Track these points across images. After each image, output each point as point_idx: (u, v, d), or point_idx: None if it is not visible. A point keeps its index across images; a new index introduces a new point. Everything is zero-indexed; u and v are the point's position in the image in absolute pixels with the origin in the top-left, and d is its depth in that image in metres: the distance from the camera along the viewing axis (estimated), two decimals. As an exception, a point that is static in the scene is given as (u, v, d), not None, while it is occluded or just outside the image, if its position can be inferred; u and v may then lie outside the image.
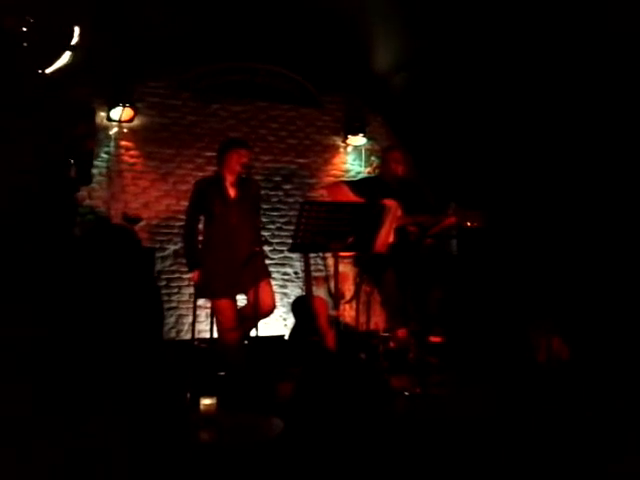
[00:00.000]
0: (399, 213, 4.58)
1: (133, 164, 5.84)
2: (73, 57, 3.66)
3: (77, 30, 3.77)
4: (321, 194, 6.28)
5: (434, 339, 4.93)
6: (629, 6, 4.18)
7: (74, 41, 3.68)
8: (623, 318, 4.49)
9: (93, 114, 5.15)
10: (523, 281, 5.22)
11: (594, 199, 4.93)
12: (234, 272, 4.14)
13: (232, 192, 4.34)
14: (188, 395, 2.98)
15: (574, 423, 3.25)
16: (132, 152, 5.85)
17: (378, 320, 4.72)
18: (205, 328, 5.21)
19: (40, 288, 2.88)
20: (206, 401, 2.80)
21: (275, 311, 4.46)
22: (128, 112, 5.65)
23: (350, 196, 4.58)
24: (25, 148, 3.14)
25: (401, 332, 4.61)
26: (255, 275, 4.18)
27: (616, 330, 4.46)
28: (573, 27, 4.51)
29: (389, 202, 4.44)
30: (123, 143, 5.79)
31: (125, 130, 5.77)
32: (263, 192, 5.47)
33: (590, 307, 4.71)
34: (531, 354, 4.75)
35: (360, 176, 6.54)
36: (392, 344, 4.62)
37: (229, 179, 4.35)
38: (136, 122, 5.79)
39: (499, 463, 2.73)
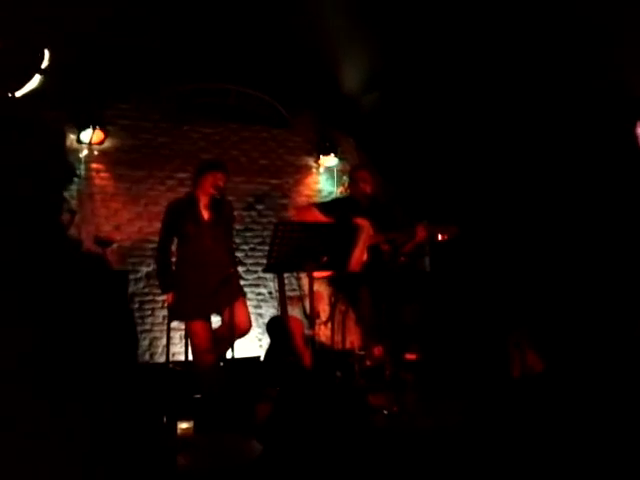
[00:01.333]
0: (371, 232, 4.61)
1: (104, 186, 5.79)
2: (43, 80, 3.64)
3: (47, 53, 3.76)
4: (292, 216, 6.30)
5: (410, 356, 4.94)
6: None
7: (44, 64, 3.66)
8: (595, 330, 4.56)
9: (63, 137, 5.10)
10: (496, 296, 5.28)
11: (564, 213, 5.03)
12: (208, 294, 4.11)
13: (206, 214, 4.32)
14: (164, 419, 2.95)
15: (545, 434, 3.28)
16: (103, 174, 5.80)
17: (353, 339, 4.72)
18: (179, 350, 5.15)
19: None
20: (183, 425, 2.77)
21: (251, 332, 4.44)
22: (98, 134, 5.62)
23: (320, 218, 4.60)
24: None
25: (377, 350, 4.61)
26: (230, 295, 4.16)
27: (589, 342, 4.53)
28: (539, 46, 4.63)
29: (361, 221, 4.47)
30: (94, 165, 5.74)
31: (96, 152, 5.73)
32: (236, 213, 5.45)
33: (563, 320, 4.78)
34: (505, 368, 4.79)
35: (333, 196, 6.59)
36: (368, 362, 4.62)
37: (203, 201, 4.33)
38: (107, 144, 5.76)
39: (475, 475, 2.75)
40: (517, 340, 4.78)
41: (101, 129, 5.62)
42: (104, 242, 5.20)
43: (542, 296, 5.00)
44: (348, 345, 4.63)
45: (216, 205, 4.35)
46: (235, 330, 4.07)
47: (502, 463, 2.91)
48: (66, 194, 5.27)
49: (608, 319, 4.57)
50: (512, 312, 5.08)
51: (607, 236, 4.78)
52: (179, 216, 4.27)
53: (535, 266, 5.16)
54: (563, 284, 4.93)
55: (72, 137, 5.57)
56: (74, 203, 5.56)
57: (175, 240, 4.37)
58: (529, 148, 5.24)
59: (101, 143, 5.69)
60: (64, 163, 5.15)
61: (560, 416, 3.57)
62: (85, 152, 5.67)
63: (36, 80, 3.67)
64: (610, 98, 4.70)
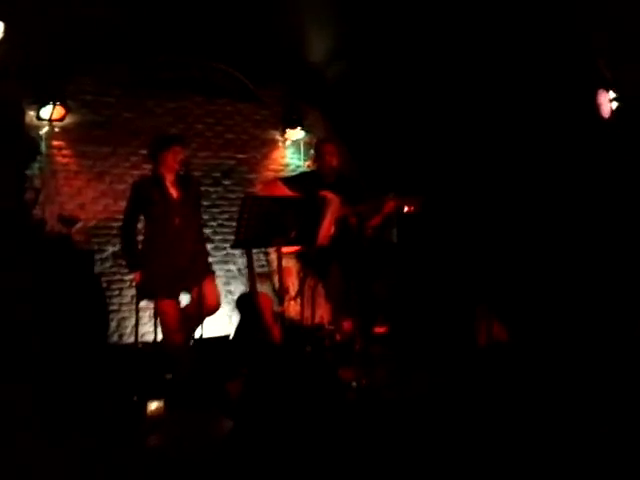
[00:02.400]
0: (339, 205, 4.61)
1: (66, 164, 5.67)
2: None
3: (2, 26, 3.63)
4: (259, 190, 6.25)
5: (379, 329, 4.99)
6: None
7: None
8: (559, 301, 4.66)
9: (22, 112, 4.97)
10: (463, 267, 5.35)
11: (528, 181, 5.09)
12: (178, 272, 4.09)
13: (174, 192, 4.26)
14: (135, 399, 2.94)
15: (510, 402, 3.36)
16: (65, 152, 5.67)
17: (323, 313, 4.75)
18: (148, 330, 5.12)
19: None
20: (153, 404, 2.77)
21: (220, 309, 4.43)
22: (59, 110, 5.48)
23: (286, 192, 4.58)
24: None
25: (346, 324, 4.65)
26: (198, 273, 4.14)
27: (552, 312, 4.63)
28: (503, 19, 4.63)
29: (328, 194, 4.46)
30: (55, 143, 5.61)
31: (57, 129, 5.58)
32: (203, 189, 5.40)
33: (527, 290, 4.88)
34: (472, 338, 4.88)
35: (300, 170, 6.55)
36: (338, 337, 4.65)
37: (169, 178, 4.26)
38: (68, 120, 5.62)
39: (443, 446, 2.81)
40: (484, 310, 4.86)
41: (62, 105, 5.47)
42: (69, 221, 5.12)
43: (508, 267, 5.08)
44: (318, 320, 4.65)
45: (183, 182, 4.29)
46: (204, 308, 4.06)
47: (469, 433, 2.98)
48: (29, 171, 5.18)
49: (570, 290, 4.67)
50: (479, 283, 5.16)
51: (568, 204, 4.86)
52: (146, 194, 4.20)
53: (501, 237, 5.23)
54: (528, 255, 5.01)
55: (31, 114, 5.41)
56: (37, 182, 5.44)
57: (141, 218, 4.31)
58: (493, 119, 5.27)
59: (62, 119, 5.54)
60: (25, 138, 5.04)
61: (523, 382, 3.66)
62: (46, 129, 5.52)
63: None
64: (572, 67, 4.74)
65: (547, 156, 4.98)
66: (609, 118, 4.65)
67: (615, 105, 4.61)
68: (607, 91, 4.63)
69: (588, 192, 4.75)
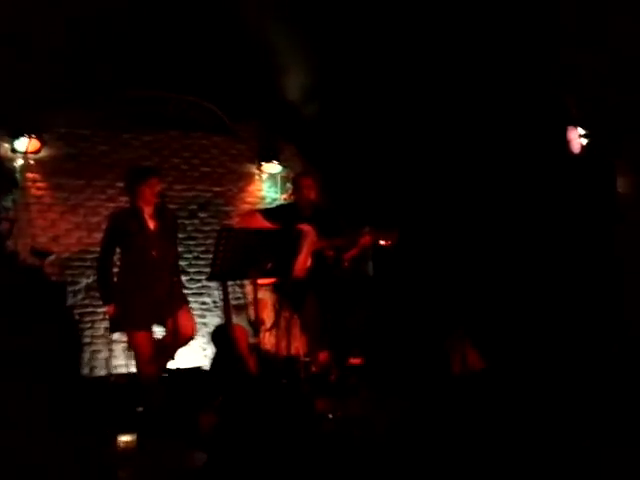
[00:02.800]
0: (315, 237, 4.63)
1: (40, 196, 5.64)
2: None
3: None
4: (236, 222, 6.26)
5: (354, 361, 4.98)
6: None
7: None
8: (534, 329, 4.71)
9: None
10: (438, 298, 5.38)
11: (501, 217, 5.17)
12: (154, 304, 4.05)
13: (152, 224, 4.24)
14: (106, 433, 2.88)
15: (483, 429, 3.37)
16: (39, 184, 5.65)
17: (298, 345, 4.72)
18: (121, 363, 5.05)
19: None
20: (125, 438, 2.71)
21: (194, 341, 4.39)
22: (34, 143, 5.48)
23: (264, 224, 4.60)
24: None
25: (322, 356, 4.63)
26: (173, 304, 4.10)
27: (527, 340, 4.67)
28: (475, 55, 4.76)
29: (305, 227, 4.48)
30: (30, 175, 5.59)
31: (31, 161, 5.57)
32: (179, 221, 5.38)
33: (502, 319, 4.92)
34: (447, 367, 4.89)
35: (276, 203, 6.58)
36: (314, 368, 4.63)
37: (147, 210, 4.25)
38: (43, 153, 5.61)
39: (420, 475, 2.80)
40: (458, 340, 4.88)
41: (37, 137, 5.47)
42: (41, 254, 5.07)
43: (481, 297, 5.13)
44: (293, 351, 4.62)
45: (160, 214, 4.28)
46: (180, 337, 4.01)
47: (444, 461, 2.97)
48: (5, 203, 5.13)
49: (544, 319, 4.72)
50: (453, 313, 5.19)
51: (541, 238, 4.94)
52: (124, 226, 4.17)
53: (475, 268, 5.28)
54: (501, 286, 5.07)
55: (6, 146, 5.40)
56: (12, 213, 5.39)
57: (117, 250, 4.28)
58: (466, 154, 5.37)
59: (37, 152, 5.54)
60: (1, 170, 5.00)
61: (496, 410, 3.67)
62: (20, 161, 5.50)
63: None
64: (543, 105, 4.87)
65: (519, 189, 5.07)
66: (579, 154, 4.77)
67: (585, 141, 4.73)
68: (576, 127, 4.75)
69: (559, 224, 4.84)
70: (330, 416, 3.67)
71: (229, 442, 2.88)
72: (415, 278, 5.71)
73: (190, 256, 6.24)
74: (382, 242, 4.58)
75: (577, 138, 4.79)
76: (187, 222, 6.26)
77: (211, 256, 3.75)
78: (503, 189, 5.15)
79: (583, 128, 4.75)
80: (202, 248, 6.31)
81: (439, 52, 4.92)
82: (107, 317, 4.40)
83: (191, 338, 4.25)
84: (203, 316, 6.15)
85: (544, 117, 4.91)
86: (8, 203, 5.26)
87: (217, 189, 6.56)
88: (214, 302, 6.26)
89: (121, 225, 4.20)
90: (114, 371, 4.93)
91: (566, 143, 4.83)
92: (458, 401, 4.01)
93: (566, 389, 3.87)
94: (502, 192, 5.16)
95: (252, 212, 5.30)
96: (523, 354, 4.59)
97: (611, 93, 4.48)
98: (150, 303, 4.07)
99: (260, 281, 4.07)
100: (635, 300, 4.37)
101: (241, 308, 5.42)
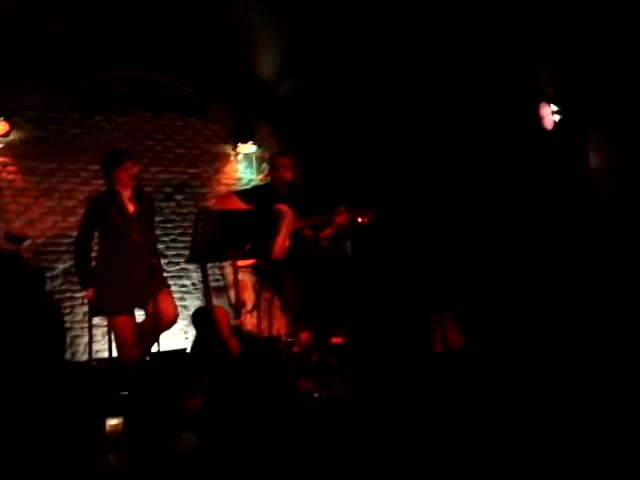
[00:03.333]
0: (293, 218, 4.64)
1: (12, 181, 5.54)
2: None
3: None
4: (213, 204, 6.23)
5: (336, 340, 5.03)
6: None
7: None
8: (515, 306, 4.79)
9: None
10: (418, 276, 5.44)
11: (476, 191, 5.23)
12: (134, 287, 4.03)
13: (130, 207, 4.22)
14: (94, 417, 2.89)
15: (466, 408, 3.44)
16: (10, 168, 5.55)
17: (280, 326, 4.75)
18: (102, 348, 5.02)
19: None
20: (112, 422, 2.72)
21: (176, 324, 4.39)
22: (3, 126, 5.37)
23: (240, 205, 4.59)
24: None
25: (304, 336, 4.66)
26: (153, 287, 4.09)
27: (508, 318, 4.76)
28: (449, 31, 4.77)
29: (283, 207, 4.49)
30: (0, 159, 5.48)
31: (1, 145, 5.46)
32: (155, 204, 5.36)
33: (484, 296, 5.00)
34: (428, 346, 4.96)
35: (252, 184, 6.56)
36: (296, 348, 4.66)
37: (125, 194, 4.23)
38: (13, 136, 5.51)
39: (404, 455, 2.85)
40: (439, 318, 4.96)
41: (6, 120, 5.36)
42: (16, 238, 5.00)
43: (462, 274, 5.20)
44: (275, 332, 4.65)
45: (138, 197, 4.26)
46: (161, 321, 4.00)
47: (427, 440, 3.03)
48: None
49: (524, 295, 4.81)
50: (433, 291, 5.25)
51: (518, 214, 5.02)
52: (103, 209, 4.14)
53: (453, 245, 5.35)
54: (481, 262, 5.14)
55: (-26, 130, 5.29)
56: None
57: (95, 234, 4.24)
58: (441, 131, 5.40)
59: (6, 135, 5.43)
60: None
61: (478, 388, 3.75)
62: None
63: None
64: (515, 81, 4.91)
65: (492, 166, 5.13)
66: (551, 130, 4.83)
67: (557, 117, 4.79)
68: (549, 104, 4.81)
69: (534, 199, 4.91)
70: (316, 395, 3.72)
71: (216, 424, 2.91)
72: (394, 256, 5.76)
73: (167, 239, 6.20)
74: (359, 220, 4.61)
75: (550, 114, 4.84)
76: (164, 205, 6.21)
77: (189, 238, 3.75)
78: (478, 165, 5.20)
79: (555, 104, 4.80)
80: (179, 230, 6.28)
81: (416, 29, 4.92)
82: (86, 302, 4.37)
83: (173, 322, 4.25)
84: (183, 299, 6.13)
85: (517, 93, 4.95)
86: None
87: (192, 171, 6.51)
88: (193, 284, 6.24)
89: (100, 209, 4.17)
90: (95, 356, 4.91)
91: (538, 119, 4.88)
92: (439, 379, 4.09)
93: (549, 369, 3.96)
94: (478, 168, 5.21)
95: (228, 194, 5.28)
96: (505, 331, 4.68)
97: (584, 68, 4.53)
98: (130, 286, 4.05)
99: (239, 263, 4.08)
100: (613, 274, 4.48)
101: (221, 290, 5.43)
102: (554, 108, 4.80)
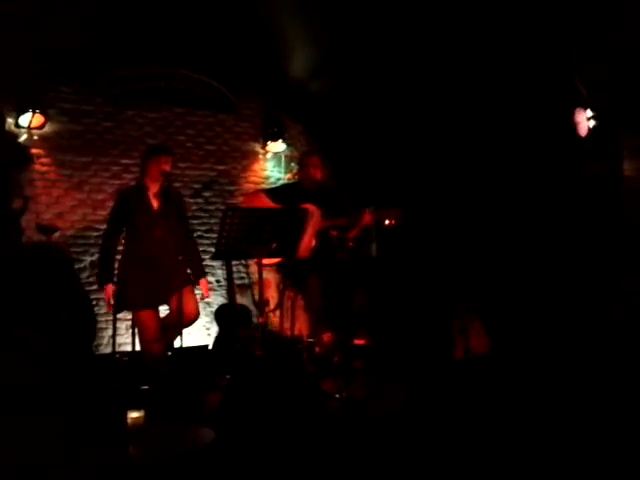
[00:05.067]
0: (320, 217, 4.63)
1: (45, 172, 5.61)
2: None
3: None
4: (241, 202, 6.24)
5: (358, 342, 5.00)
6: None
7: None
8: (542, 312, 4.71)
9: (3, 119, 4.92)
10: (443, 280, 5.38)
11: (506, 196, 5.16)
12: (158, 283, 4.06)
13: (155, 203, 4.25)
14: (115, 409, 2.91)
15: (487, 414, 3.39)
16: (43, 160, 5.62)
17: (302, 326, 4.75)
18: (125, 341, 5.07)
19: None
20: (133, 414, 2.74)
21: (198, 320, 4.40)
22: (38, 118, 5.42)
23: (268, 204, 4.60)
24: None
25: (326, 336, 4.65)
26: (178, 283, 4.11)
27: (534, 324, 4.68)
28: (485, 34, 4.71)
29: (310, 206, 4.48)
30: (34, 151, 5.53)
31: (35, 137, 5.53)
32: (184, 201, 5.38)
33: (511, 302, 4.92)
34: (449, 351, 4.91)
35: (280, 182, 6.57)
36: (317, 349, 4.65)
37: (152, 189, 4.26)
38: (47, 129, 5.56)
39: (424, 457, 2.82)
40: (462, 323, 4.90)
41: (41, 113, 5.42)
42: (47, 229, 5.05)
43: (489, 279, 5.13)
44: (297, 332, 4.65)
45: (165, 194, 4.28)
46: (183, 318, 4.02)
47: (448, 444, 3.00)
48: (18, 179, 5.09)
49: (552, 302, 4.73)
50: (458, 295, 5.20)
51: (548, 218, 4.94)
52: (129, 205, 4.18)
53: (479, 250, 5.28)
54: (509, 268, 5.07)
55: (10, 121, 5.35)
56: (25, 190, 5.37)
57: (123, 229, 4.28)
58: (472, 132, 5.34)
59: (41, 127, 5.49)
60: (10, 144, 4.97)
61: (500, 395, 3.70)
62: (24, 137, 5.46)
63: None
64: (550, 87, 4.83)
65: (524, 171, 5.05)
66: (586, 136, 4.74)
67: (592, 124, 4.70)
68: (584, 110, 4.72)
69: (565, 207, 4.83)
70: (337, 396, 3.70)
71: (236, 420, 2.91)
72: (419, 259, 5.71)
73: (194, 235, 6.22)
74: (386, 222, 4.58)
75: (585, 120, 4.76)
76: (191, 201, 6.23)
77: (215, 235, 3.76)
78: (510, 170, 5.13)
79: (591, 110, 4.71)
80: (206, 227, 6.30)
81: (448, 32, 4.87)
82: (104, 299, 4.33)
83: (195, 319, 4.27)
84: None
85: (551, 99, 4.87)
86: (21, 179, 5.23)
87: (221, 168, 6.53)
88: (218, 281, 6.26)
89: (126, 204, 4.20)
90: (119, 349, 4.95)
91: (573, 125, 4.80)
92: (459, 385, 4.04)
93: (570, 377, 3.89)
94: (509, 173, 5.14)
95: (257, 192, 5.29)
96: (530, 337, 4.61)
97: (620, 75, 4.44)
98: (154, 282, 4.09)
99: (265, 261, 4.08)
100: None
101: (245, 287, 5.45)
102: (589, 114, 4.71)
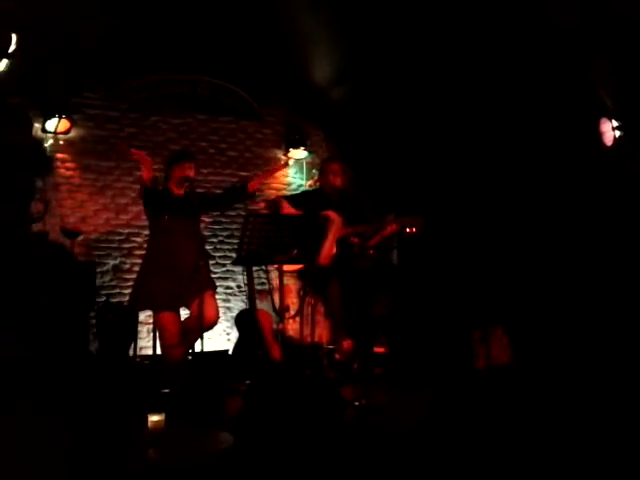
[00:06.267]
0: (341, 224, 4.62)
1: (69, 177, 5.69)
2: (10, 65, 3.56)
3: (14, 38, 3.66)
4: (262, 208, 6.26)
5: (378, 349, 4.98)
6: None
7: (11, 49, 3.58)
8: (566, 323, 4.66)
9: (30, 124, 4.99)
10: (464, 289, 5.35)
11: (530, 205, 5.12)
12: (179, 285, 4.08)
13: (179, 207, 4.29)
14: (136, 412, 2.92)
15: (509, 426, 3.35)
16: (68, 164, 5.70)
17: (322, 332, 4.74)
18: (147, 345, 5.10)
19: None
20: (153, 418, 2.75)
21: (218, 325, 4.41)
22: (64, 124, 5.51)
23: (289, 210, 4.60)
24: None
25: (346, 343, 4.63)
26: (199, 287, 4.12)
27: (558, 335, 4.63)
28: (508, 45, 4.69)
29: (331, 213, 4.47)
30: (59, 155, 5.64)
31: (61, 142, 5.62)
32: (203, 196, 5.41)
33: (532, 311, 4.87)
34: (470, 361, 4.87)
35: (301, 189, 6.58)
36: (337, 356, 4.63)
37: (176, 192, 4.30)
38: (72, 134, 5.65)
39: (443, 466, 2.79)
40: (483, 333, 4.86)
41: (67, 118, 5.51)
42: (71, 233, 5.12)
43: (510, 289, 5.09)
44: (317, 339, 4.64)
45: (187, 198, 4.31)
46: (204, 322, 4.03)
47: (467, 454, 2.97)
48: (39, 184, 5.18)
49: (575, 312, 4.67)
50: (479, 305, 5.16)
51: (573, 228, 4.88)
52: (155, 202, 4.21)
53: (501, 259, 5.24)
54: (529, 276, 5.02)
55: (37, 126, 5.44)
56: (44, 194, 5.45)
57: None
58: (496, 142, 5.31)
59: (67, 132, 5.58)
60: (35, 149, 5.05)
61: (522, 406, 3.65)
62: (50, 141, 5.54)
63: (2, 64, 3.58)
64: (575, 96, 4.79)
65: (551, 181, 5.01)
66: (612, 146, 4.69)
67: (618, 134, 4.65)
68: (610, 120, 4.68)
69: (590, 218, 4.77)
70: (356, 403, 3.68)
71: (255, 426, 2.91)
72: (440, 268, 5.68)
73: (215, 240, 6.27)
74: (407, 230, 4.56)
75: (610, 130, 4.71)
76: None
77: (236, 241, 3.78)
78: (534, 180, 5.09)
79: (617, 120, 4.67)
80: (227, 232, 6.33)
81: (470, 38, 4.86)
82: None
83: (215, 323, 4.28)
84: (227, 300, 6.18)
85: (576, 109, 4.83)
86: (40, 184, 5.30)
87: (243, 174, 6.56)
88: (238, 287, 6.28)
89: (153, 198, 4.22)
90: (140, 352, 4.98)
91: (599, 135, 4.75)
92: (479, 395, 4.00)
93: (594, 389, 3.83)
94: (533, 183, 5.10)
95: (278, 198, 5.30)
96: (552, 347, 4.56)
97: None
98: (175, 284, 4.11)
99: (285, 267, 4.08)
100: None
101: (265, 293, 5.44)
102: (615, 124, 4.66)
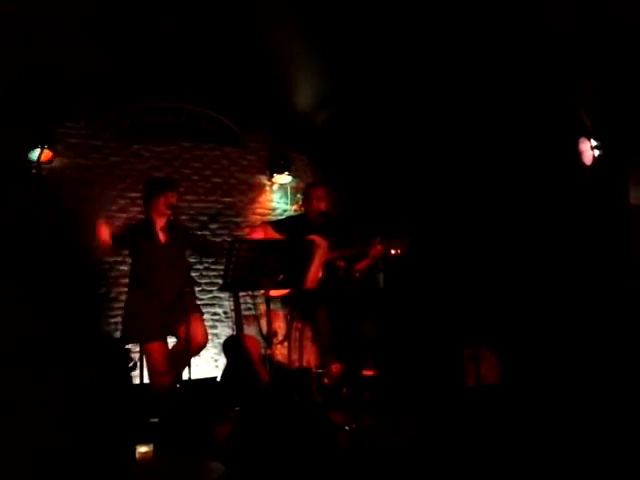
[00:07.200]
0: (326, 248, 4.63)
1: (53, 206, 5.65)
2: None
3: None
4: (247, 234, 6.27)
5: (367, 373, 4.97)
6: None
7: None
8: (552, 341, 4.69)
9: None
10: (451, 309, 5.37)
11: (513, 226, 5.17)
12: (165, 314, 4.06)
13: (162, 237, 4.29)
14: (124, 443, 2.88)
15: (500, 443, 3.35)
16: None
17: (310, 357, 4.72)
18: (134, 374, 5.03)
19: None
20: (142, 449, 2.71)
21: (206, 352, 4.38)
22: (46, 153, 5.50)
23: (274, 236, 4.62)
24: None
25: (335, 367, 4.62)
26: (185, 313, 4.09)
27: (544, 352, 4.65)
28: (490, 64, 4.77)
29: (316, 238, 4.48)
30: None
31: (44, 172, 5.59)
32: (190, 232, 5.41)
33: (519, 330, 4.90)
34: (460, 380, 4.87)
35: (287, 214, 6.59)
36: (326, 380, 4.61)
37: (159, 223, 4.29)
38: (55, 163, 5.63)
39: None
40: (473, 352, 4.87)
41: (49, 148, 5.50)
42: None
43: (496, 308, 5.12)
44: (305, 363, 4.62)
45: (171, 227, 4.32)
46: (192, 345, 4.00)
47: (459, 476, 2.96)
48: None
49: (559, 328, 4.71)
50: (467, 325, 5.18)
51: (554, 249, 4.94)
52: (136, 237, 4.20)
53: (486, 279, 5.28)
54: (516, 295, 5.06)
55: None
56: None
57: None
58: (479, 165, 5.37)
59: (49, 162, 5.56)
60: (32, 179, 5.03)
61: (512, 424, 3.66)
62: (33, 171, 5.51)
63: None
64: (555, 116, 4.87)
65: (529, 200, 5.07)
66: (591, 165, 4.76)
67: (597, 153, 4.73)
68: (588, 139, 4.76)
69: (571, 237, 4.83)
70: (346, 428, 3.66)
71: (245, 453, 2.88)
72: (427, 289, 5.71)
73: (201, 267, 6.24)
74: (392, 252, 4.58)
75: (589, 149, 4.78)
76: (198, 233, 6.23)
77: (222, 267, 3.76)
78: (515, 200, 5.16)
79: (595, 140, 4.74)
80: (213, 259, 6.31)
81: (450, 61, 4.93)
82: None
83: (203, 346, 4.26)
84: (214, 327, 6.14)
85: (556, 128, 4.91)
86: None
87: (228, 200, 6.58)
88: (225, 313, 6.25)
89: (133, 235, 4.22)
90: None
91: (578, 154, 4.83)
92: (470, 414, 4.00)
93: (583, 407, 3.85)
94: (514, 203, 5.16)
95: (262, 224, 5.31)
96: (540, 365, 4.58)
97: (624, 104, 4.48)
98: (161, 314, 4.09)
99: (272, 292, 4.08)
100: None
101: (252, 318, 5.42)
102: (594, 143, 4.74)
